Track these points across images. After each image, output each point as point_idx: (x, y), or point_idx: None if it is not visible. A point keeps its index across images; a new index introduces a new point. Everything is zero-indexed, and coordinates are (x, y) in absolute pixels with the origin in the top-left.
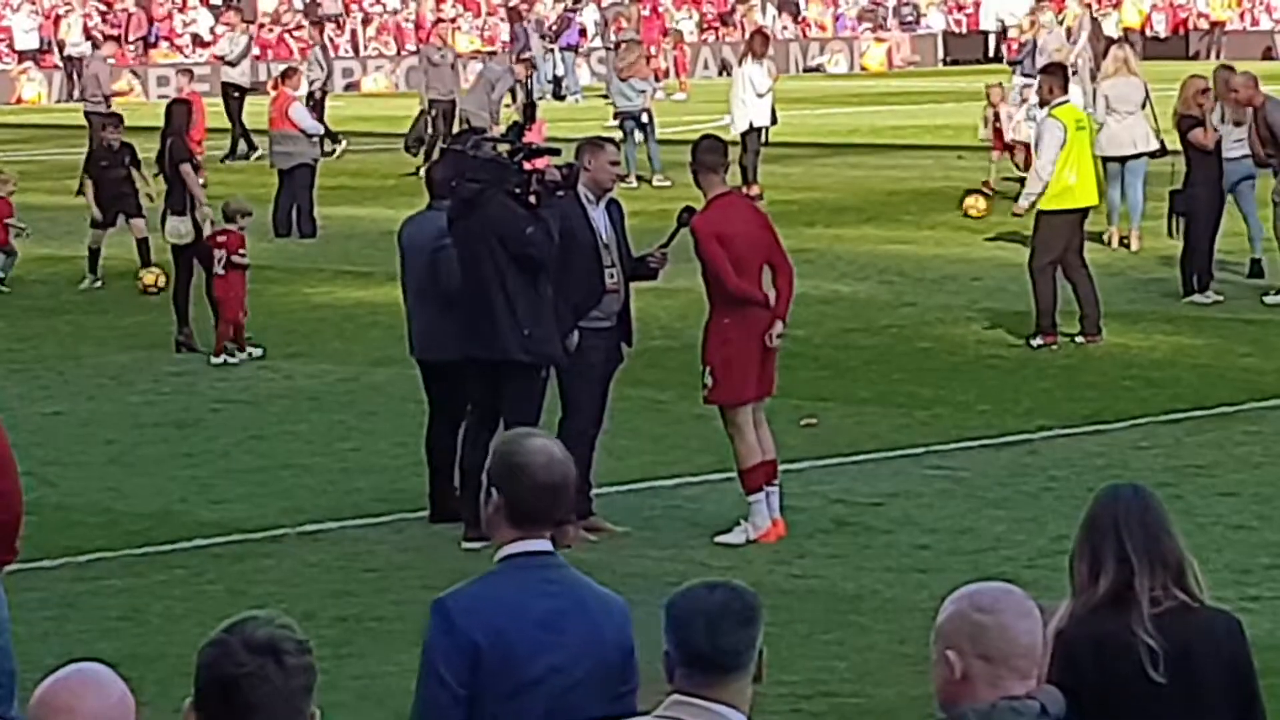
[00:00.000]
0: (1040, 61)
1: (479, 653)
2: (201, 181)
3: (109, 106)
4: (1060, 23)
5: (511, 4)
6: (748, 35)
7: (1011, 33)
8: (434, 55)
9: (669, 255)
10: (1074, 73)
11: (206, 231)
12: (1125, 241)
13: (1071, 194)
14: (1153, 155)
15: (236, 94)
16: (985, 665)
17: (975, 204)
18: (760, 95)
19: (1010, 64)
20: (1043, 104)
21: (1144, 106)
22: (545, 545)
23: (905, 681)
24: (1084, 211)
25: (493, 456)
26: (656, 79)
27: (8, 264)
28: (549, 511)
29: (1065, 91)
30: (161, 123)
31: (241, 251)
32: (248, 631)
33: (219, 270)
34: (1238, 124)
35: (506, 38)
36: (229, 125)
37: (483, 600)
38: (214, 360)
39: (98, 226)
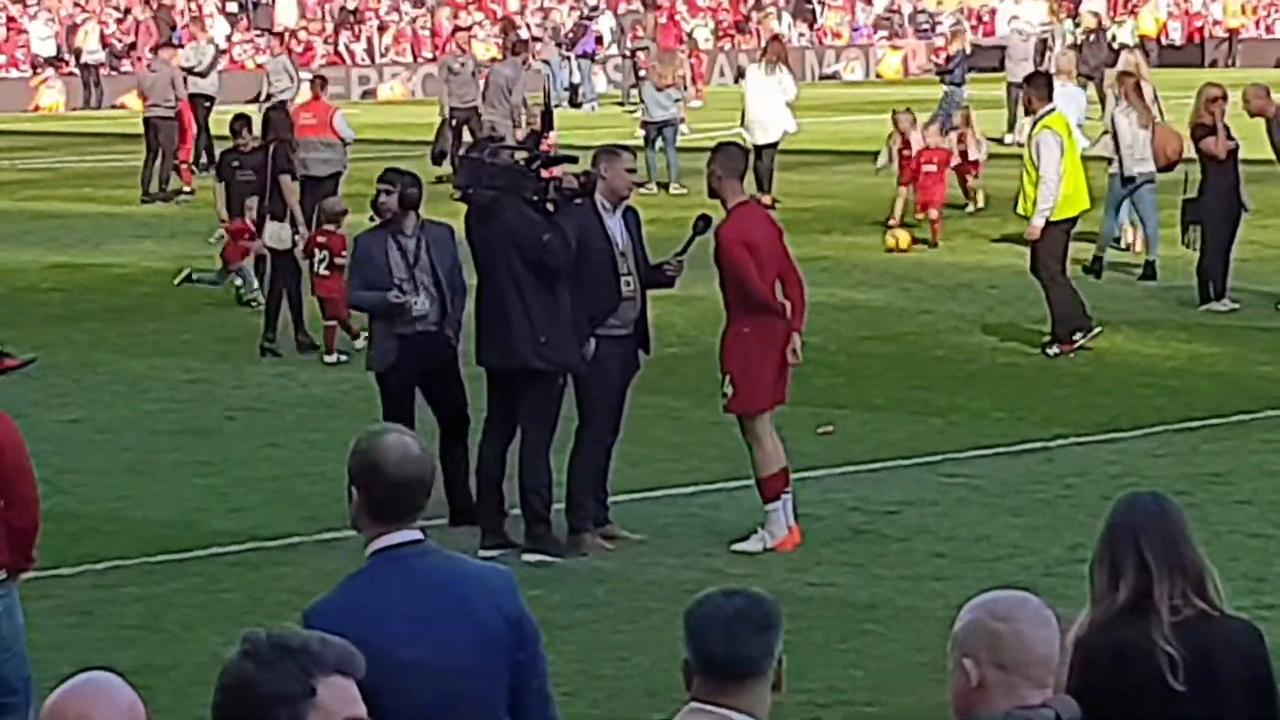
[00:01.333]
0: (1015, 69)
1: None
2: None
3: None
4: (1077, 26)
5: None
6: (764, 42)
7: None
8: (454, 64)
9: (685, 263)
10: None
11: (276, 239)
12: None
13: (1069, 201)
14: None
15: (206, 104)
16: (1001, 674)
17: (896, 240)
18: (789, 103)
19: (939, 74)
20: (1028, 113)
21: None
22: (413, 535)
23: (921, 690)
24: (1076, 219)
25: (351, 455)
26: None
27: (246, 285)
28: (409, 505)
29: (1050, 100)
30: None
31: (344, 253)
32: (277, 635)
33: (323, 271)
34: (1144, 127)
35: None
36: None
37: (344, 607)
38: (328, 359)
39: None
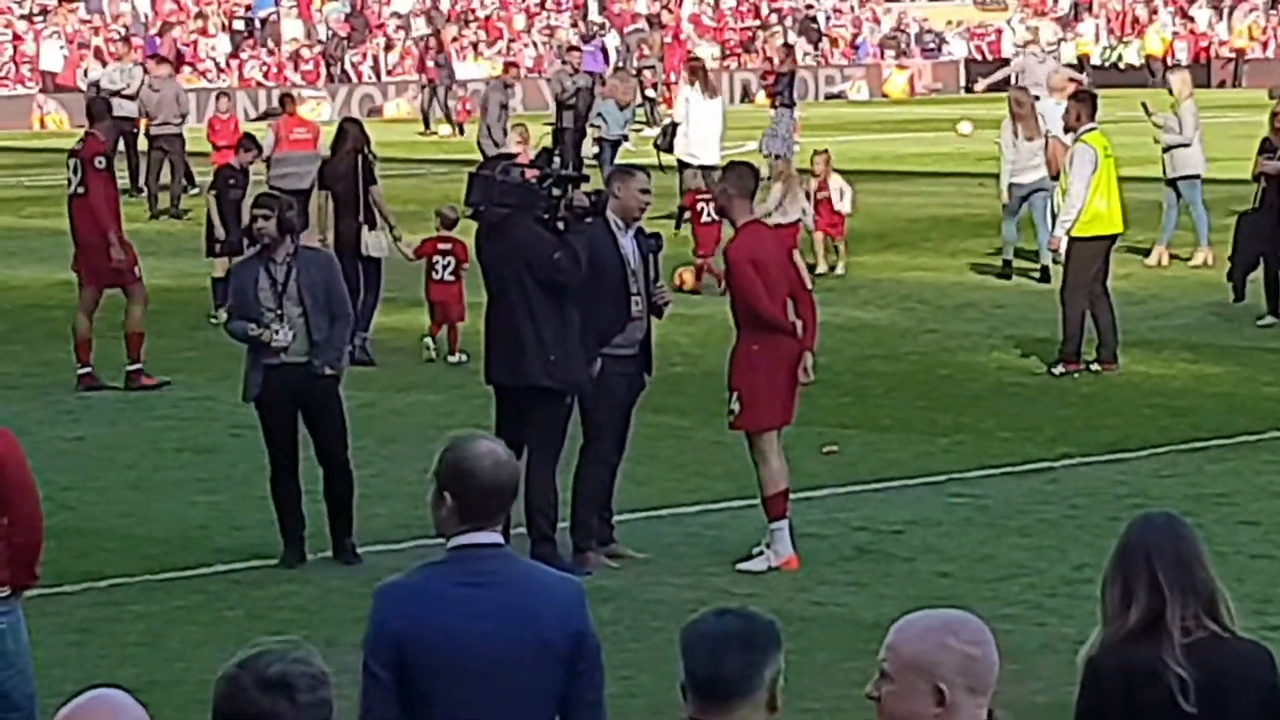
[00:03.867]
0: (1031, 90)
1: (402, 641)
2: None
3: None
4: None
5: (432, 30)
6: (689, 66)
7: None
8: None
9: (666, 289)
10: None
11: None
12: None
13: (1101, 220)
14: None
15: (133, 128)
16: (970, 696)
17: (683, 278)
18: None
19: (770, 95)
20: (1068, 130)
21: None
22: (493, 538)
23: None
24: (1113, 238)
25: (440, 460)
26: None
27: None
28: (497, 509)
29: (1093, 118)
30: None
31: (468, 261)
32: (260, 668)
33: (448, 277)
34: (1029, 140)
35: (530, 63)
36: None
37: (413, 590)
38: (451, 359)
39: (225, 253)
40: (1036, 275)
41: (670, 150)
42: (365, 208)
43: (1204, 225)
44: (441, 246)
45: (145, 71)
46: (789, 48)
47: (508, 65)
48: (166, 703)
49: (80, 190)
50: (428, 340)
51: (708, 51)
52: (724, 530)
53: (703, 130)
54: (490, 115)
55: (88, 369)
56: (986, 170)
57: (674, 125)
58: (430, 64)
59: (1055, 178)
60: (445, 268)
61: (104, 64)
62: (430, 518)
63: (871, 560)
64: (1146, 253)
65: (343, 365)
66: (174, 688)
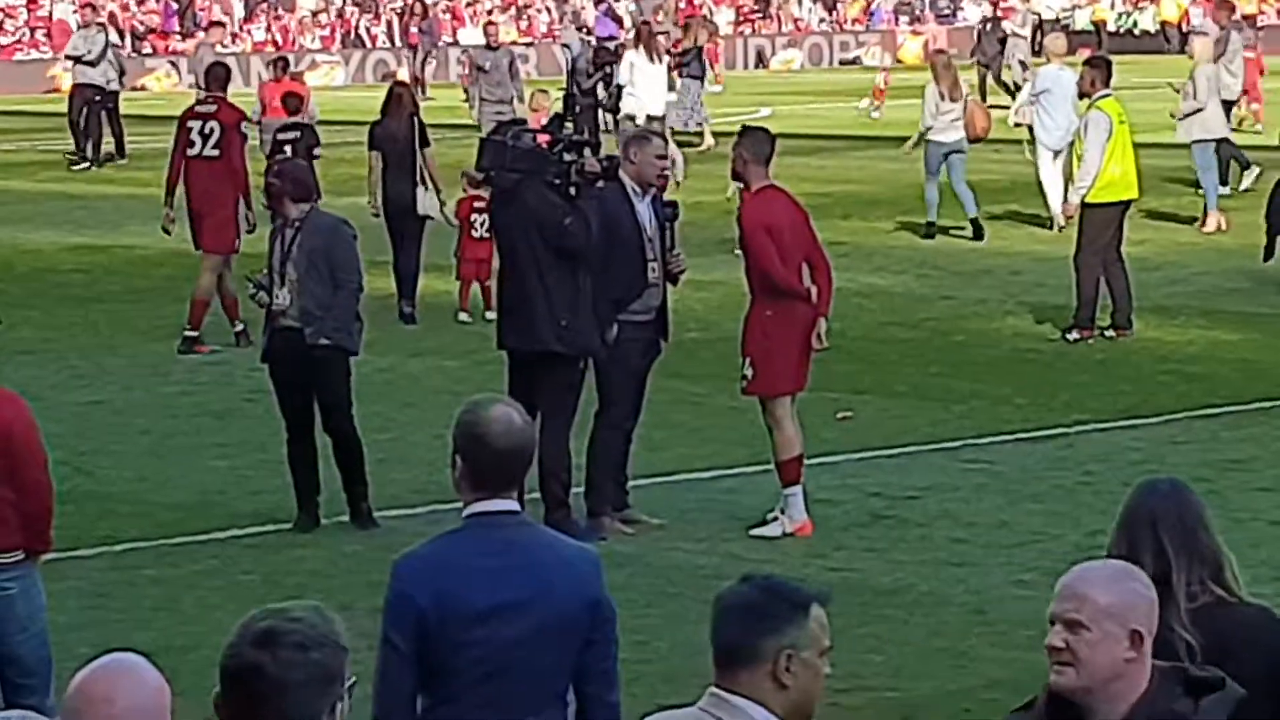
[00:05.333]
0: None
1: (422, 613)
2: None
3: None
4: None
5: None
6: (640, 33)
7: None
8: (484, 59)
9: (683, 256)
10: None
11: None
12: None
13: (1116, 186)
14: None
15: (97, 96)
16: (1148, 639)
17: None
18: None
19: (677, 67)
20: (1083, 96)
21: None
22: (509, 505)
23: (941, 675)
24: (1127, 204)
25: (457, 424)
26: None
27: None
28: (510, 475)
29: (1107, 84)
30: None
31: None
32: (252, 623)
33: (484, 234)
34: (953, 100)
35: (544, 30)
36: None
37: (430, 560)
38: (488, 316)
39: None
40: (969, 234)
41: (616, 110)
42: (415, 168)
43: (1213, 192)
44: (478, 205)
45: (109, 41)
46: (705, 19)
47: (487, 26)
48: (182, 667)
49: (214, 153)
50: (463, 316)
51: (724, 18)
52: (739, 496)
53: (648, 90)
54: (471, 80)
55: (196, 333)
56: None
57: (619, 88)
58: (414, 30)
59: (973, 140)
60: (483, 224)
61: (118, 29)
62: (448, 480)
63: (886, 526)
64: (1165, 218)
65: (345, 336)
66: (190, 652)
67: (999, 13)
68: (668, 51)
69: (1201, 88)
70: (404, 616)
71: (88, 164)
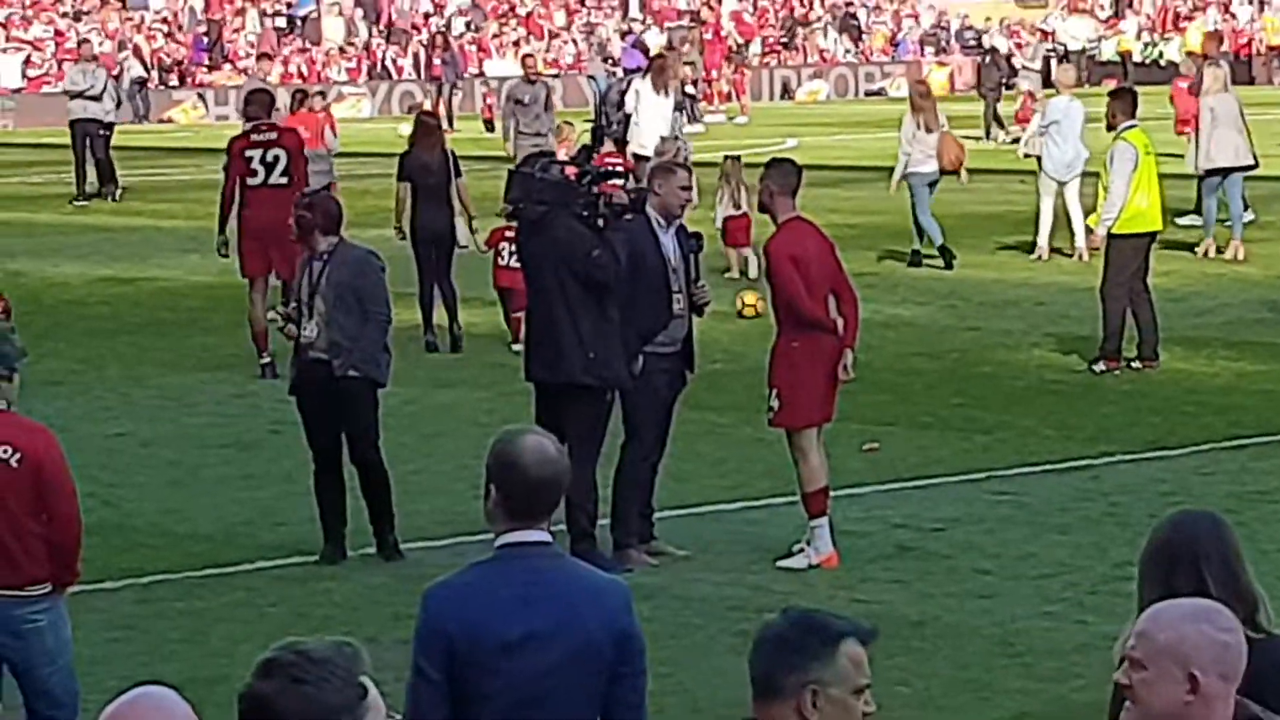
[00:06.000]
0: (1022, 81)
1: (453, 642)
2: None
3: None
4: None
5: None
6: (651, 61)
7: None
8: (522, 93)
9: (708, 288)
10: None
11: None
12: (1221, 252)
13: (1143, 218)
14: (1247, 169)
15: (102, 131)
16: (1223, 684)
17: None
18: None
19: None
20: (1109, 128)
21: (1240, 123)
22: (541, 536)
23: (968, 707)
24: (1153, 235)
25: (490, 454)
26: (719, 102)
27: None
28: (544, 505)
29: (1133, 115)
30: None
31: None
32: (263, 656)
33: (513, 263)
34: (929, 131)
35: (570, 60)
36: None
37: (461, 589)
38: (515, 347)
39: None
40: (940, 264)
41: (624, 140)
42: (449, 199)
43: (1211, 220)
44: (508, 234)
45: (108, 75)
46: (679, 53)
47: (525, 58)
48: (209, 699)
49: (283, 180)
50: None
51: (753, 50)
52: (764, 527)
53: (651, 121)
54: (506, 112)
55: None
56: (1028, 169)
57: (627, 117)
58: (437, 62)
59: (945, 172)
60: (512, 254)
61: (142, 62)
62: (481, 510)
63: (912, 558)
64: (1192, 248)
65: (373, 367)
66: (217, 684)
67: (1011, 47)
68: (682, 82)
69: (1204, 119)
70: (434, 646)
71: (88, 199)
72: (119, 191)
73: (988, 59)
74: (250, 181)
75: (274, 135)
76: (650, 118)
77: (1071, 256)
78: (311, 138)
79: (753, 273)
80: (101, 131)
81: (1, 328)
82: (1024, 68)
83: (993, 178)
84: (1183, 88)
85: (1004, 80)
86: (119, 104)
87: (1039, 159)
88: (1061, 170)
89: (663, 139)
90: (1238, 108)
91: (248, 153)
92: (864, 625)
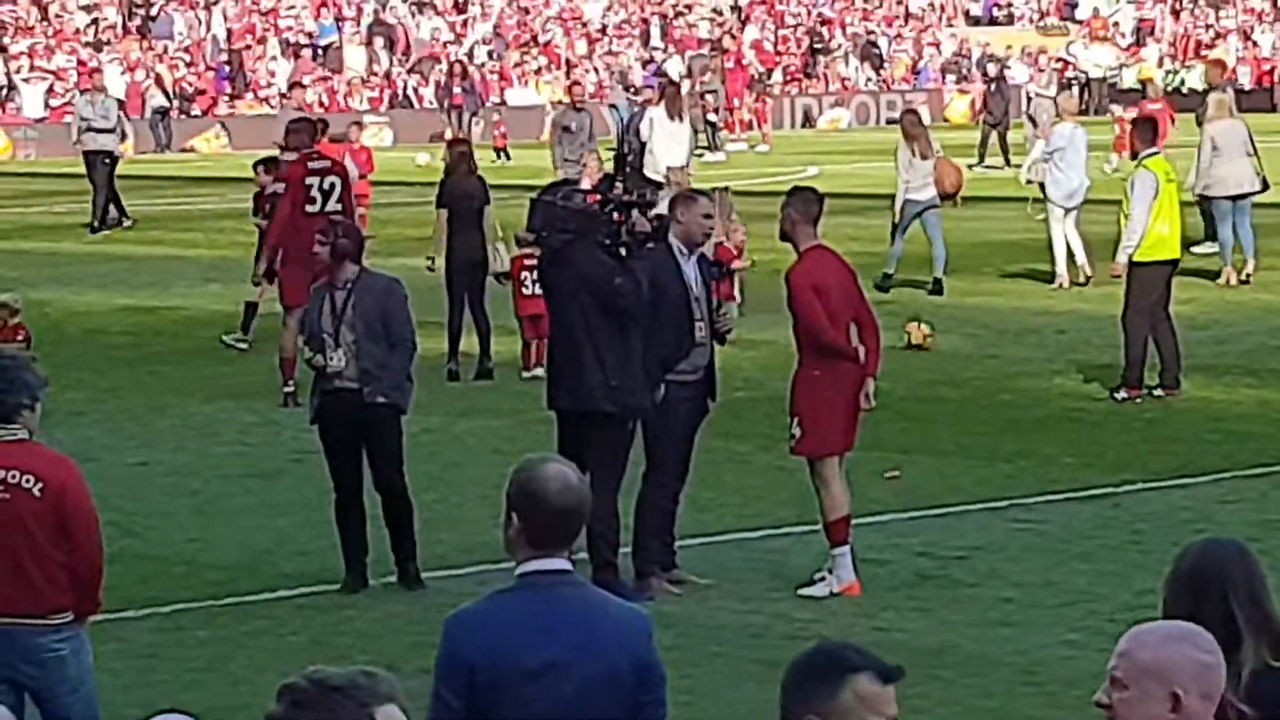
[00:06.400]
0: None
1: (473, 670)
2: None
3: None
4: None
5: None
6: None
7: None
8: (569, 120)
9: (731, 317)
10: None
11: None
12: (1246, 279)
13: (1164, 245)
14: (1255, 194)
15: (107, 161)
16: (1204, 704)
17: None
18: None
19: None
20: (1133, 156)
21: (1249, 148)
22: (562, 564)
23: None
24: (1174, 263)
25: (511, 482)
26: (740, 130)
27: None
28: (565, 533)
29: (1154, 143)
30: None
31: None
32: (282, 683)
33: (536, 291)
34: (923, 159)
35: (591, 89)
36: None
37: (482, 618)
38: (525, 375)
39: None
40: (929, 287)
41: (640, 168)
42: (484, 226)
43: (1229, 248)
44: (528, 262)
45: (117, 106)
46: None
47: (572, 86)
48: None
49: (337, 207)
50: (535, 372)
51: (775, 78)
52: (786, 556)
53: (665, 147)
54: (555, 139)
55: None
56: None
57: (643, 145)
58: (457, 90)
59: (944, 198)
60: (534, 282)
61: (165, 91)
62: (500, 539)
63: (934, 586)
64: (1214, 276)
65: (400, 395)
66: (238, 713)
67: (1031, 74)
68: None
69: (1204, 146)
70: (455, 674)
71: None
72: (128, 223)
73: (994, 87)
74: (307, 209)
75: (328, 163)
76: (664, 144)
77: (1086, 284)
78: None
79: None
80: (104, 161)
81: (23, 357)
82: (1037, 94)
83: (1013, 205)
84: (1151, 109)
85: (1009, 108)
86: (124, 136)
87: (1041, 185)
88: (1069, 197)
89: (669, 169)
90: (1245, 133)
91: (307, 180)
92: (885, 663)
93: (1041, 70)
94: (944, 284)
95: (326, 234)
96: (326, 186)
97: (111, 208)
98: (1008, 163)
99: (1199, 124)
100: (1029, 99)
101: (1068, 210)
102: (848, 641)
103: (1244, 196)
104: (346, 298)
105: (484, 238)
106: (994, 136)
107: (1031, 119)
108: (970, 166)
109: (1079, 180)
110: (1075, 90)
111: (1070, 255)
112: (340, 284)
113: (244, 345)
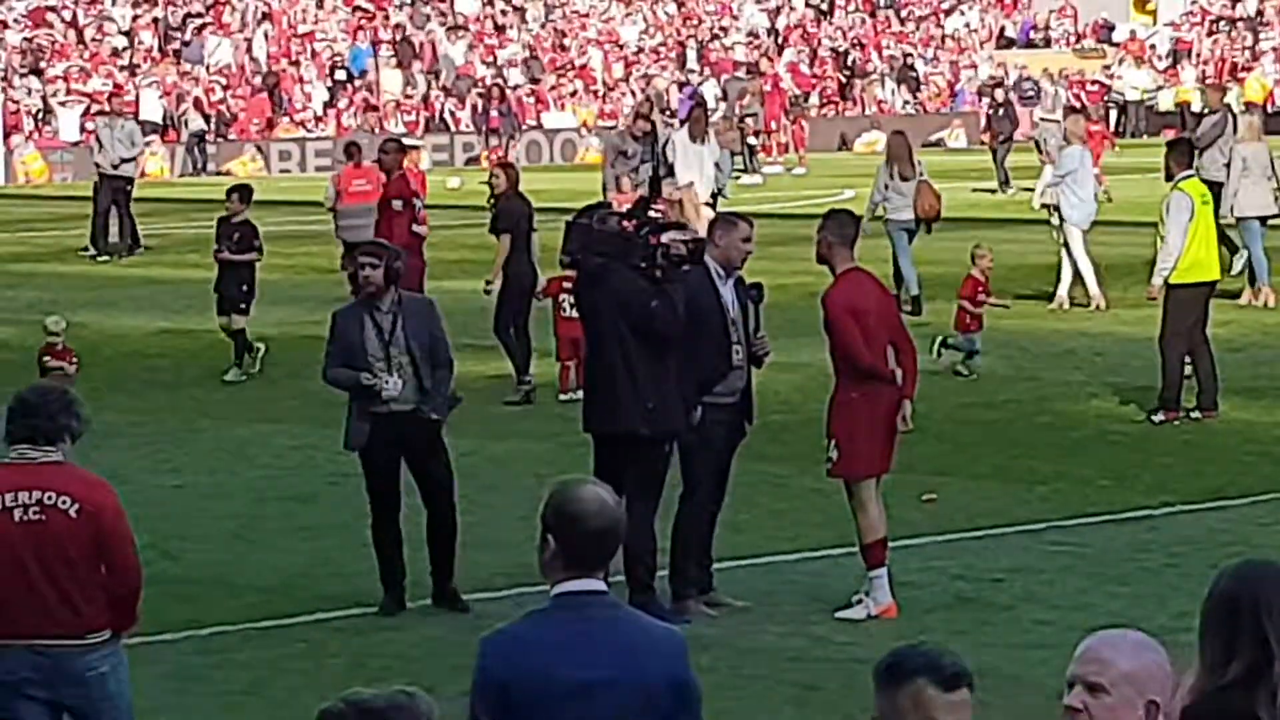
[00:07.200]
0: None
1: (508, 691)
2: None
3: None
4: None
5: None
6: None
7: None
8: (627, 145)
9: (766, 339)
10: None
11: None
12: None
13: (1200, 267)
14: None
15: (127, 186)
16: (1168, 714)
17: None
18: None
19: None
20: (1169, 178)
21: (1269, 172)
22: (598, 585)
23: None
24: (1212, 285)
25: (547, 505)
26: (778, 153)
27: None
28: (601, 555)
29: (1190, 166)
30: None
31: None
32: (320, 706)
33: (573, 313)
34: (904, 180)
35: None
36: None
37: (518, 639)
38: (562, 397)
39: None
40: (908, 309)
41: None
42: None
43: (1262, 268)
44: (566, 285)
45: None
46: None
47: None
48: None
49: (423, 230)
50: (565, 396)
51: (811, 101)
52: (823, 578)
53: (688, 170)
54: (608, 162)
55: None
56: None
57: (670, 167)
58: (495, 114)
59: (920, 219)
60: (572, 305)
61: (202, 114)
62: (536, 561)
63: (971, 609)
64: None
65: (447, 412)
66: None
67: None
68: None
69: (1235, 167)
70: (490, 694)
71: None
72: (139, 249)
73: (999, 111)
74: (413, 229)
75: (405, 185)
76: (686, 166)
77: (1088, 306)
78: (371, 190)
79: None
80: (126, 186)
81: (72, 397)
82: (1043, 120)
83: (1050, 228)
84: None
85: (1014, 133)
86: (134, 160)
87: (1055, 208)
88: (1086, 217)
89: (673, 188)
90: (1269, 157)
91: (393, 202)
92: (949, 670)
93: (1045, 94)
94: (922, 301)
95: (379, 256)
96: (412, 207)
97: (115, 230)
98: (1001, 173)
99: (1195, 147)
100: (1034, 124)
101: (1086, 230)
102: (930, 646)
103: (1264, 220)
104: (394, 321)
105: (532, 260)
106: (1002, 159)
107: (1038, 143)
108: (992, 191)
109: (1091, 199)
110: (1111, 112)
111: (1077, 276)
112: (384, 308)
113: (245, 377)
